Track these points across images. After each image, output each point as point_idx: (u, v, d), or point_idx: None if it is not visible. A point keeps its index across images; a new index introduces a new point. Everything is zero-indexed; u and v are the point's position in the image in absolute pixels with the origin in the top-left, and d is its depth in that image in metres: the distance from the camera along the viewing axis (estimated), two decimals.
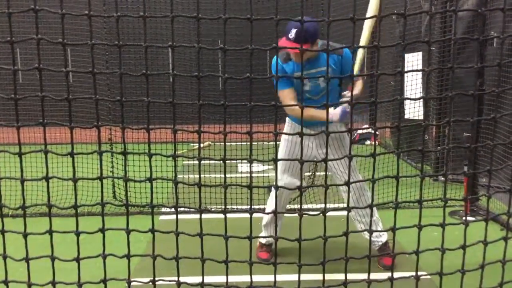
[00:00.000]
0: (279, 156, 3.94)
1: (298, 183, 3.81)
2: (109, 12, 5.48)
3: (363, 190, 3.80)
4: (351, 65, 3.55)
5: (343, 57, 3.57)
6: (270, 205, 4.11)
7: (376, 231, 1.99)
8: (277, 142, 1.70)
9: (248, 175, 1.75)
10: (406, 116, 6.49)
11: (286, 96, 3.54)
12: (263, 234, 4.16)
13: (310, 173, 5.93)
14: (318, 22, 3.62)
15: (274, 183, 1.78)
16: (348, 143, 3.91)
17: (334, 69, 3.57)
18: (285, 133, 1.81)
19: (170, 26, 1.57)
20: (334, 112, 3.45)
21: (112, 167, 5.30)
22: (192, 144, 8.55)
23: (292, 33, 3.41)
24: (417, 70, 1.72)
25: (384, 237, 3.92)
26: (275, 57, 3.51)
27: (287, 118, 4.01)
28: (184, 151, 7.93)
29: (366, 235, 3.85)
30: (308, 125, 3.75)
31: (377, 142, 8.81)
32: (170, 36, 1.59)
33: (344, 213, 1.75)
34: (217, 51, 1.59)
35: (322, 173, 5.78)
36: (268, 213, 2.07)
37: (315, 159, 3.84)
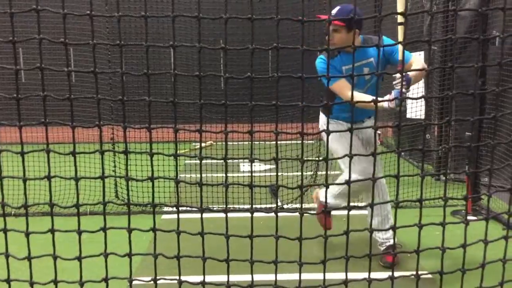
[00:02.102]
0: (341, 153, 3.74)
1: (371, 169, 3.79)
2: (111, 12, 5.49)
3: (385, 194, 3.79)
4: (396, 52, 3.48)
5: (384, 49, 3.50)
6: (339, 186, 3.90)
7: (379, 230, 1.99)
8: (279, 142, 1.71)
9: (252, 174, 1.75)
10: (408, 116, 6.49)
11: (343, 87, 3.47)
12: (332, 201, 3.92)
13: (312, 172, 5.93)
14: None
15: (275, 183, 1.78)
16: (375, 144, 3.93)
17: (379, 61, 3.55)
18: (284, 133, 1.81)
19: (172, 26, 1.58)
20: (390, 98, 3.26)
21: (115, 166, 5.31)
22: (194, 144, 8.56)
23: (335, 10, 3.44)
24: (418, 70, 1.72)
25: (392, 240, 3.87)
26: (320, 56, 3.61)
27: (323, 117, 3.94)
28: (186, 150, 7.94)
29: (375, 234, 3.84)
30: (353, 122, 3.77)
31: (379, 142, 8.80)
32: (172, 36, 1.60)
33: (345, 212, 1.76)
34: (219, 51, 1.59)
35: (323, 173, 5.78)
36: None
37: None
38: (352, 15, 3.42)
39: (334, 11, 3.45)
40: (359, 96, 3.45)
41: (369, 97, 3.28)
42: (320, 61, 3.64)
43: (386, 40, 3.54)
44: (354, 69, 3.63)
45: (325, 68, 3.57)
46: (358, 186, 3.82)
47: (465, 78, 5.87)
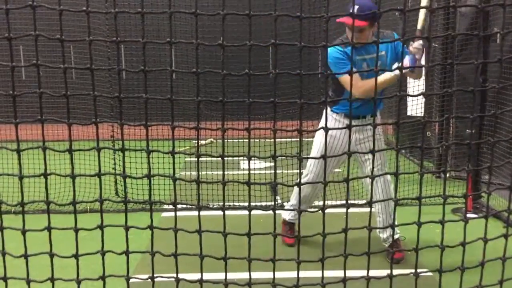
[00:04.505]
0: (314, 153, 3.91)
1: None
2: (110, 9, 5.48)
3: (388, 183, 3.82)
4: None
5: (395, 45, 3.60)
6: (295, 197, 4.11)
7: (377, 228, 1.98)
8: (278, 140, 1.71)
9: (251, 172, 1.75)
10: (408, 113, 6.47)
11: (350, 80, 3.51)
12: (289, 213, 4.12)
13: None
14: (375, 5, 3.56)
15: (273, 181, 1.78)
16: (382, 145, 3.90)
17: (388, 56, 3.60)
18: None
19: (173, 24, 1.57)
20: (405, 63, 3.33)
21: (114, 164, 5.30)
22: (194, 141, 8.55)
23: (355, 8, 3.43)
24: (417, 66, 1.71)
25: (396, 235, 3.90)
26: (336, 46, 3.57)
27: (329, 112, 3.87)
28: (186, 148, 7.93)
29: (380, 232, 3.86)
30: (354, 118, 3.74)
31: None
32: (172, 34, 1.59)
33: (343, 210, 1.75)
34: (221, 51, 1.59)
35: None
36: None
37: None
38: (372, 10, 3.37)
39: (355, 10, 3.41)
40: (366, 82, 3.50)
41: (385, 75, 3.39)
42: (336, 51, 3.60)
43: (396, 36, 3.60)
44: (367, 61, 3.68)
45: (340, 59, 3.61)
46: (311, 190, 3.92)
47: (466, 76, 5.85)
